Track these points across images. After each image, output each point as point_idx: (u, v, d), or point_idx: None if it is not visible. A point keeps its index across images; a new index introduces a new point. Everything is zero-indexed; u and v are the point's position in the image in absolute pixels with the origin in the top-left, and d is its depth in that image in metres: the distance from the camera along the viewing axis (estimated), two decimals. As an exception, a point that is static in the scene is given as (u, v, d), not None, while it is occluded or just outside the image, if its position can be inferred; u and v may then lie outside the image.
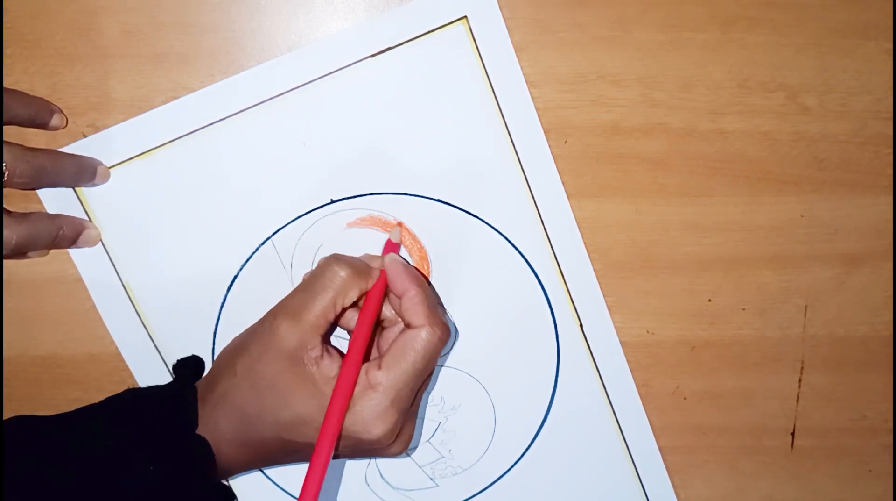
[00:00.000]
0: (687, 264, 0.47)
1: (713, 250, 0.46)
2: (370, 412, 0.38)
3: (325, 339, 0.40)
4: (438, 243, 0.45)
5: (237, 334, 0.42)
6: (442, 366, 0.47)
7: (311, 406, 0.38)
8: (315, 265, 0.43)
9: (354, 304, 0.40)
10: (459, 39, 0.42)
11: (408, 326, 0.39)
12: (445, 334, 0.39)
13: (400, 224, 0.44)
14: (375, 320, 0.41)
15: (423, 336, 0.38)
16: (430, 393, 0.47)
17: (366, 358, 0.40)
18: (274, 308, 0.40)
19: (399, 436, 0.40)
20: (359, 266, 0.40)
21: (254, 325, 0.41)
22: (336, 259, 0.40)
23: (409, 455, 0.48)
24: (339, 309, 0.39)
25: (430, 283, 0.46)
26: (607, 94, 0.44)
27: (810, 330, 0.48)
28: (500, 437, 0.48)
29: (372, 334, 0.41)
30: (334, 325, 0.41)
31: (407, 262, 0.42)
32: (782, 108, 0.45)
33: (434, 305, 0.40)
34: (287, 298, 0.40)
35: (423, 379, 0.40)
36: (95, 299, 0.45)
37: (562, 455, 0.49)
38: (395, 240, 0.44)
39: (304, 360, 0.38)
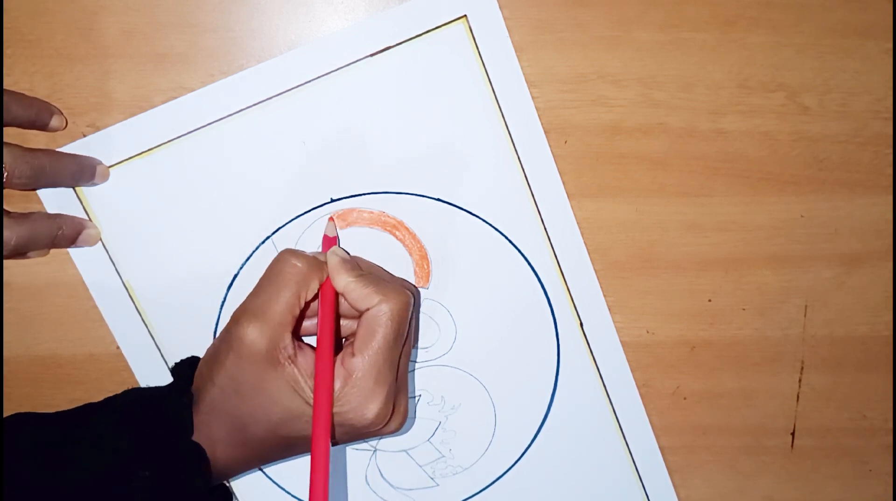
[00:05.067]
0: (687, 264, 0.47)
1: (713, 250, 0.46)
2: (357, 397, 0.38)
3: (296, 335, 0.39)
4: (438, 242, 0.45)
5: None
6: (442, 366, 0.47)
7: (299, 401, 0.38)
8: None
9: (316, 296, 0.40)
10: (459, 39, 0.42)
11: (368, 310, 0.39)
12: (404, 296, 0.39)
13: (331, 219, 0.44)
14: (336, 309, 0.40)
15: (383, 311, 0.38)
16: (430, 393, 0.47)
17: (339, 348, 0.40)
18: (237, 312, 0.39)
19: (394, 412, 0.40)
20: (314, 258, 0.40)
21: (222, 333, 0.40)
22: (291, 253, 0.39)
23: (406, 432, 0.48)
24: (303, 303, 0.39)
25: (425, 280, 0.46)
26: (607, 94, 0.44)
27: (810, 330, 0.48)
28: (501, 436, 0.48)
29: (337, 324, 0.41)
30: (300, 320, 0.40)
31: (347, 253, 0.42)
32: (782, 108, 0.45)
33: (378, 280, 0.39)
34: (248, 299, 0.39)
35: (401, 349, 0.40)
36: (96, 299, 0.45)
37: (562, 454, 0.49)
38: (330, 234, 0.43)
39: (280, 359, 0.38)
